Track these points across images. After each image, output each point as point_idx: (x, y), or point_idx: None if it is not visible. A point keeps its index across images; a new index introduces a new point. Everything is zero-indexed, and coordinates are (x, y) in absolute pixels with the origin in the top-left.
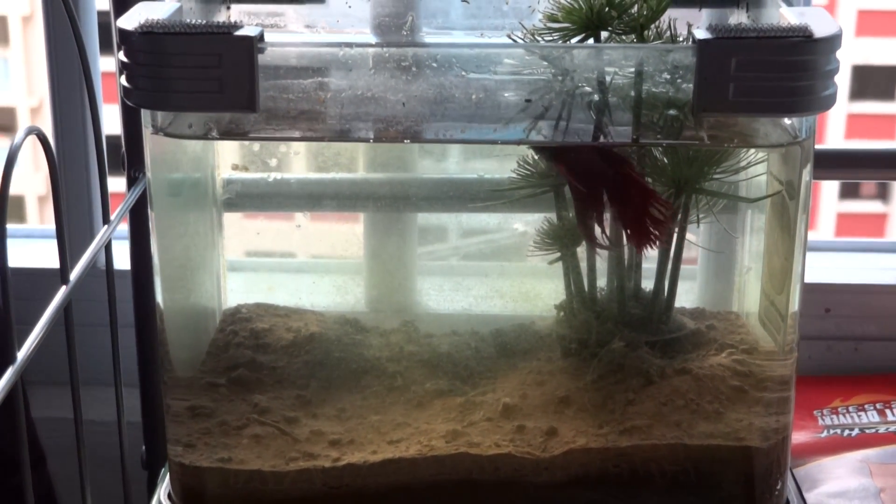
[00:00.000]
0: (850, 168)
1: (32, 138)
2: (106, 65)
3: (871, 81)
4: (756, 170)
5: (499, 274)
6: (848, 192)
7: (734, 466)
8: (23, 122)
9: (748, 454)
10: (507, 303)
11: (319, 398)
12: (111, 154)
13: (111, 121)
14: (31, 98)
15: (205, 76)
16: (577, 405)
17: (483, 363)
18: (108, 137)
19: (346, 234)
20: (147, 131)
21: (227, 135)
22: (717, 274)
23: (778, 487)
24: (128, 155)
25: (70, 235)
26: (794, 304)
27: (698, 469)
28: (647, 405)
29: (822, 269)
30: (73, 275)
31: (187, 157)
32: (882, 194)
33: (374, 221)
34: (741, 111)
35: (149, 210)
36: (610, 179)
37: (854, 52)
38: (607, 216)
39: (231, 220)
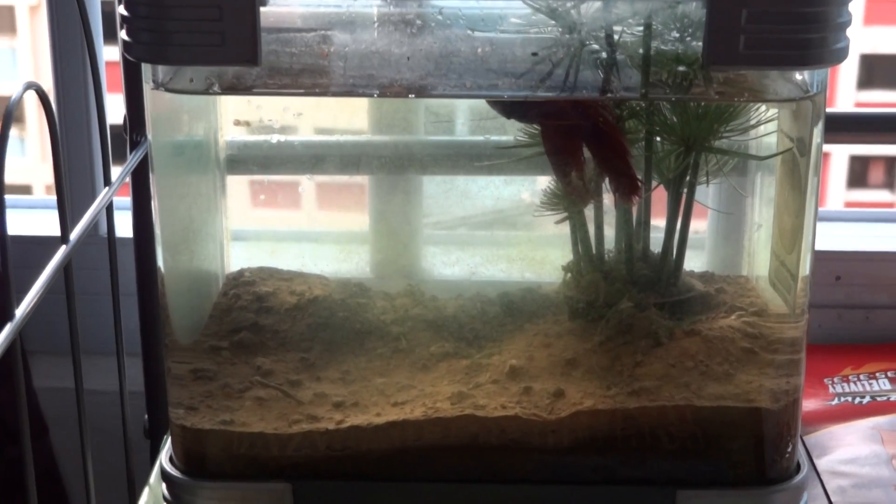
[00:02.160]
0: (861, 132)
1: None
2: (109, 54)
3: (879, 70)
4: (766, 128)
5: (506, 239)
6: (855, 182)
7: (744, 428)
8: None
9: (758, 416)
10: (514, 268)
11: (323, 361)
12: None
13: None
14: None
15: (206, 29)
16: (585, 367)
17: (489, 326)
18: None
19: (351, 198)
20: (147, 87)
21: (229, 90)
22: (726, 237)
23: (789, 450)
24: (129, 118)
25: (72, 200)
26: (806, 264)
27: (707, 432)
28: (656, 366)
29: (832, 236)
30: (74, 235)
31: (189, 115)
32: (890, 183)
33: (380, 184)
34: (752, 64)
35: (150, 173)
36: (589, 132)
37: (862, 42)
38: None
39: (234, 182)
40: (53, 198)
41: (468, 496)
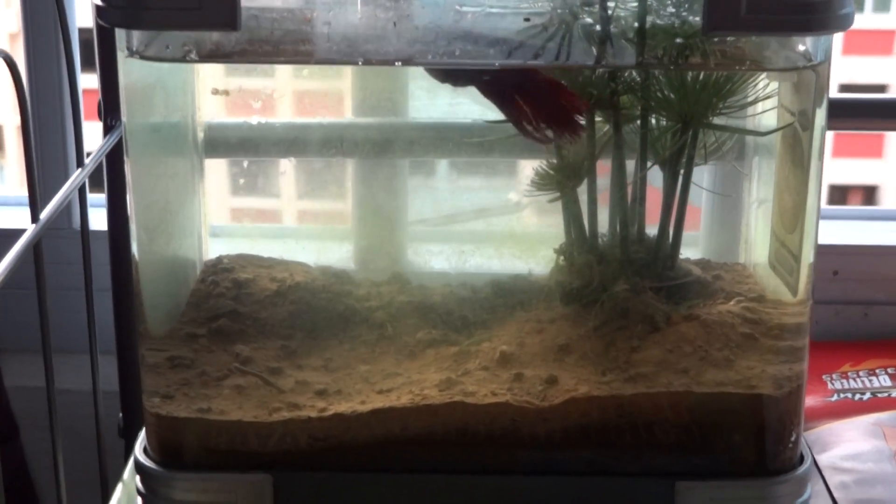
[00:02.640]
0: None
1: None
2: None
3: None
4: (766, 105)
5: (494, 229)
6: (834, 199)
7: (745, 416)
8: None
9: (760, 403)
10: (504, 256)
11: (305, 348)
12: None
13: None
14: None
15: None
16: (579, 353)
17: (478, 312)
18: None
19: (334, 183)
20: (122, 56)
21: (206, 57)
22: (721, 224)
23: (792, 440)
24: (104, 102)
25: (44, 183)
26: (809, 245)
27: (707, 420)
28: (653, 352)
29: (828, 230)
30: (44, 214)
31: (165, 90)
32: (869, 200)
33: (363, 169)
34: (754, 29)
35: (125, 157)
36: (518, 83)
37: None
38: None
39: (212, 166)
40: (23, 195)
41: (457, 488)
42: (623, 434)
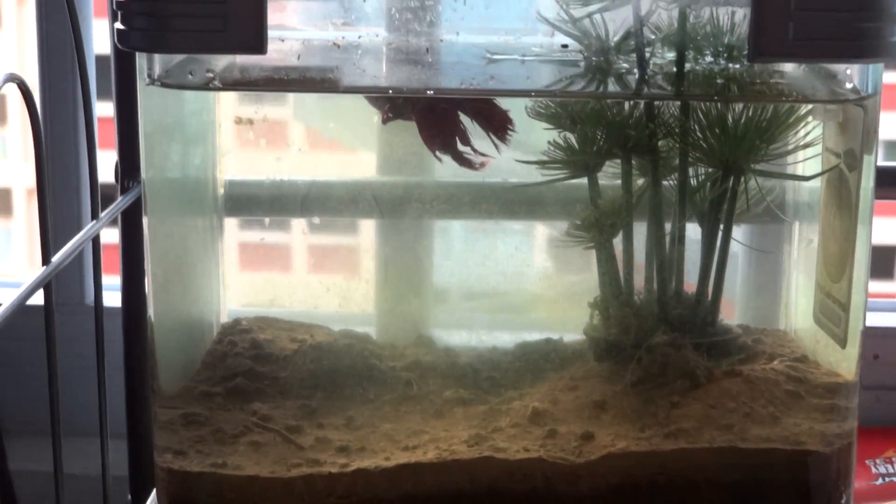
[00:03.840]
0: None
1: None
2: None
3: None
4: (808, 153)
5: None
6: (880, 272)
7: (793, 474)
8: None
9: (808, 459)
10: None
11: (326, 408)
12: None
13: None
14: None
15: (207, 13)
16: (615, 410)
17: (508, 374)
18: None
19: (357, 245)
20: (142, 84)
21: (230, 85)
22: (759, 289)
23: (843, 501)
24: (122, 163)
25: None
26: (859, 291)
27: (752, 479)
28: (695, 407)
29: (869, 313)
30: (56, 257)
31: (184, 137)
32: None
33: (387, 230)
34: (801, 56)
35: (143, 212)
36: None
37: None
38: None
39: (232, 225)
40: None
41: None
42: (663, 494)
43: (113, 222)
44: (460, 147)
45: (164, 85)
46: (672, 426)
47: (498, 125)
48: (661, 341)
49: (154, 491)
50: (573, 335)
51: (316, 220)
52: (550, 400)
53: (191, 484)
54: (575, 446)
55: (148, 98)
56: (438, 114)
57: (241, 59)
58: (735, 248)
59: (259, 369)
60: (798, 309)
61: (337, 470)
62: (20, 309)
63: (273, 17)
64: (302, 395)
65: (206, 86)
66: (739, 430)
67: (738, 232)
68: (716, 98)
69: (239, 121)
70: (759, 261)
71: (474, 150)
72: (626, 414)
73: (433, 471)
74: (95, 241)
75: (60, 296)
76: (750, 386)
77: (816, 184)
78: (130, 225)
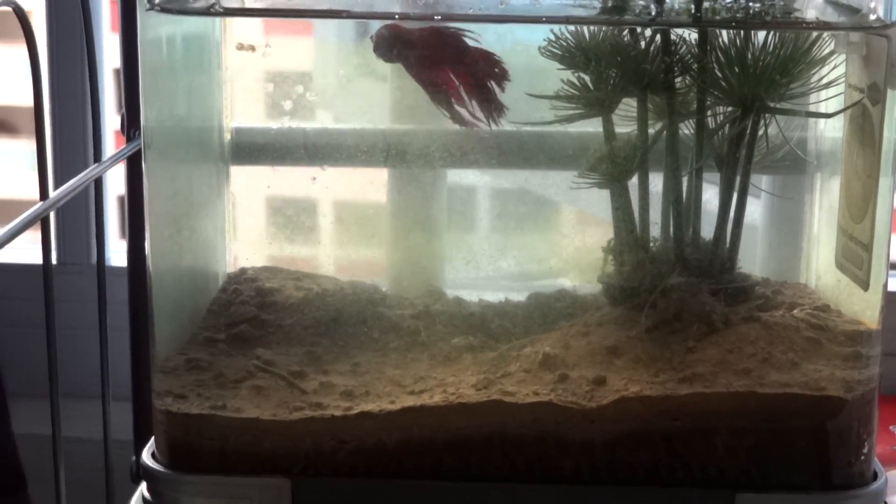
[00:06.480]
0: None
1: None
2: None
3: None
4: (830, 93)
5: (536, 243)
6: None
7: (813, 421)
8: None
9: (828, 405)
10: (546, 272)
11: (331, 354)
12: None
13: None
14: None
15: None
16: (629, 355)
17: (518, 321)
18: None
19: (367, 193)
20: (142, 11)
21: (231, 11)
22: (780, 243)
23: (864, 451)
24: (127, 111)
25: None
26: (883, 232)
27: (770, 425)
28: (711, 352)
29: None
30: (55, 194)
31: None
32: None
33: (399, 179)
34: None
35: (142, 152)
36: (451, 55)
37: None
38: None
39: (239, 173)
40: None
41: (494, 499)
42: (678, 439)
43: None
44: (456, 107)
45: (163, 10)
46: (687, 370)
47: (500, 75)
48: (676, 283)
49: (153, 438)
50: (587, 287)
51: (324, 168)
52: (562, 345)
53: (189, 427)
54: (587, 391)
55: (148, 29)
56: (432, 64)
57: None
58: (754, 205)
59: (264, 317)
60: (820, 261)
61: (340, 413)
62: (27, 269)
63: None
64: (307, 341)
65: (207, 11)
66: (757, 376)
67: (759, 183)
68: (734, 25)
69: (240, 47)
70: (780, 214)
71: (464, 106)
72: (639, 359)
73: (439, 414)
74: (98, 189)
75: (66, 255)
76: (769, 331)
77: (839, 132)
78: (136, 176)
